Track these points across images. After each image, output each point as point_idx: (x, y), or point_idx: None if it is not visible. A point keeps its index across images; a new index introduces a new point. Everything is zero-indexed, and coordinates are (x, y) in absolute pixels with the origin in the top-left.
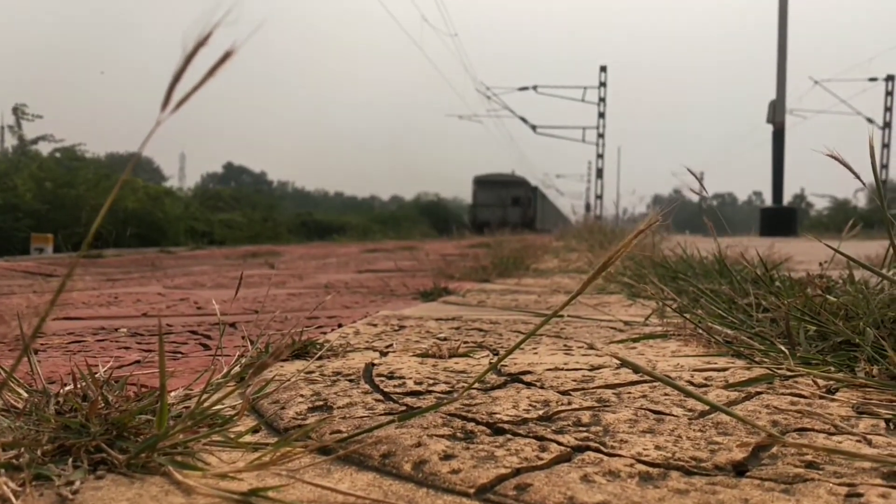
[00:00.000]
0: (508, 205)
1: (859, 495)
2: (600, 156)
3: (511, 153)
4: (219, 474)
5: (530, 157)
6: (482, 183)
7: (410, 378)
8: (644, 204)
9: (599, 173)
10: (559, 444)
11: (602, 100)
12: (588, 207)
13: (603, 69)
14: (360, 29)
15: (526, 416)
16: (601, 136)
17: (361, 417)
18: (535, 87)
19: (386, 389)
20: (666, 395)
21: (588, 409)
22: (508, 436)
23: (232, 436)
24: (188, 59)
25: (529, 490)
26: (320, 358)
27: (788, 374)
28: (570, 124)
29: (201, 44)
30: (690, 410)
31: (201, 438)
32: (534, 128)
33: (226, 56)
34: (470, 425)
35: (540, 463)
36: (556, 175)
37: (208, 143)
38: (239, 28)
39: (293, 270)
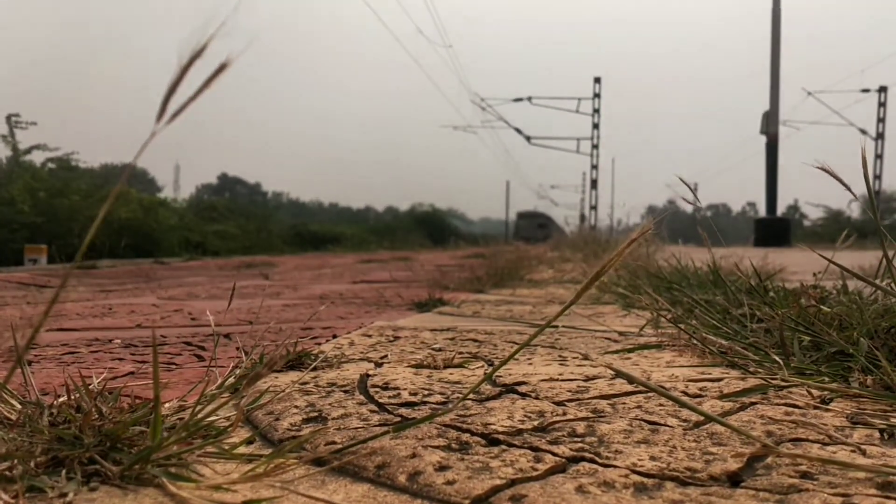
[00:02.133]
0: (536, 228)
1: None
2: (595, 167)
3: (506, 164)
4: (213, 486)
5: (525, 167)
6: (522, 216)
7: (405, 389)
8: (638, 214)
9: (594, 184)
10: (554, 454)
11: (596, 111)
12: (583, 218)
13: (597, 80)
14: (355, 40)
15: (521, 426)
16: (595, 147)
17: (356, 428)
18: (529, 99)
19: (381, 400)
20: (661, 405)
21: (583, 419)
22: (503, 447)
23: (226, 447)
24: (184, 71)
25: (524, 501)
26: (315, 369)
27: (783, 384)
28: (565, 135)
29: (197, 55)
30: (685, 421)
31: (195, 450)
32: (528, 139)
33: (221, 68)
34: (465, 436)
35: (535, 474)
36: (550, 186)
37: (203, 155)
38: (234, 40)
39: (288, 281)
